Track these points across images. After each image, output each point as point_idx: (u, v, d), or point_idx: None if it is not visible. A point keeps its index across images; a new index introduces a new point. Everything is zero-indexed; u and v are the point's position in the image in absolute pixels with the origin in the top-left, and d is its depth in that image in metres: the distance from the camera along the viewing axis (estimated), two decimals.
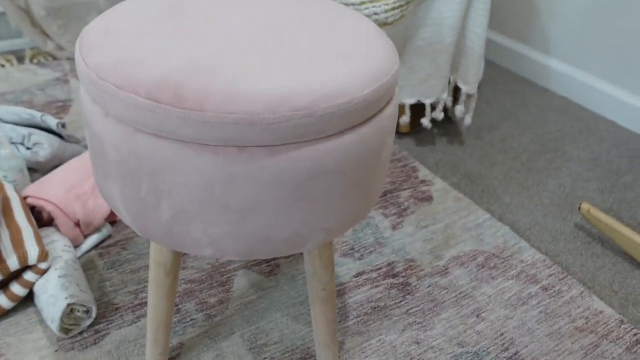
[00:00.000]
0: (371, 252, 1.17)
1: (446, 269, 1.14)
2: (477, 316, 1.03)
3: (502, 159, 1.52)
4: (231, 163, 0.60)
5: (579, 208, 1.26)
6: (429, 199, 1.34)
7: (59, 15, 1.77)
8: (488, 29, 2.09)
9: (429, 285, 1.09)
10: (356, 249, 1.17)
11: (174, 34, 0.67)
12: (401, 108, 1.51)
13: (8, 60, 1.78)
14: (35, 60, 1.80)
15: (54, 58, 1.82)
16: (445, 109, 1.67)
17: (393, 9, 1.27)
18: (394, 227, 1.24)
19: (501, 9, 2.02)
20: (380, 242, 1.19)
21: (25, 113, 1.26)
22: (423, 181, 1.39)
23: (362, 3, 1.27)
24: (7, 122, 1.26)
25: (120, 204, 0.70)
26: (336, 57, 0.65)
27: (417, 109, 1.57)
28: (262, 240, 0.67)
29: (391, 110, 0.71)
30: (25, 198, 1.09)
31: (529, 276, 1.13)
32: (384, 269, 1.12)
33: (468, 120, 1.49)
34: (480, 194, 1.38)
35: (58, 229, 1.08)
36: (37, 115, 1.26)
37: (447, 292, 1.08)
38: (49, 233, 1.07)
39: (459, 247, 1.19)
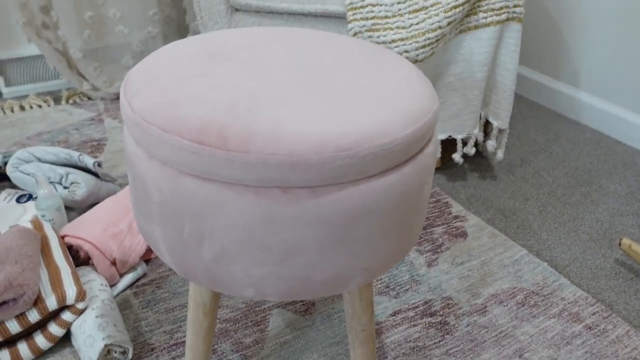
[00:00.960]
0: (407, 290, 1.15)
1: (485, 307, 1.11)
2: (520, 357, 1.00)
3: (536, 194, 1.50)
4: (274, 204, 0.60)
5: (620, 244, 1.23)
6: (463, 235, 1.32)
7: (94, 57, 1.83)
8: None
9: (468, 325, 1.07)
10: (392, 287, 1.15)
11: (214, 77, 0.68)
12: None
13: (45, 101, 1.83)
14: (71, 101, 1.85)
15: (89, 98, 1.87)
16: (476, 144, 1.66)
17: (424, 46, 1.28)
18: (429, 264, 1.22)
19: (530, 44, 2.02)
20: (416, 279, 1.17)
21: (63, 153, 1.29)
22: (457, 217, 1.38)
23: (393, 41, 1.28)
24: (45, 161, 1.29)
25: (161, 245, 0.71)
26: (376, 98, 0.65)
27: (449, 144, 1.56)
28: (303, 281, 0.67)
29: (432, 149, 0.70)
30: (63, 237, 1.10)
31: (572, 314, 1.10)
32: (421, 308, 1.10)
33: (500, 155, 1.48)
34: (515, 230, 1.35)
35: (95, 268, 1.09)
36: (74, 155, 1.29)
37: (487, 332, 1.05)
38: (86, 272, 1.07)
39: (497, 285, 1.17)
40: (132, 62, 1.90)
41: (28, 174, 1.26)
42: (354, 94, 0.65)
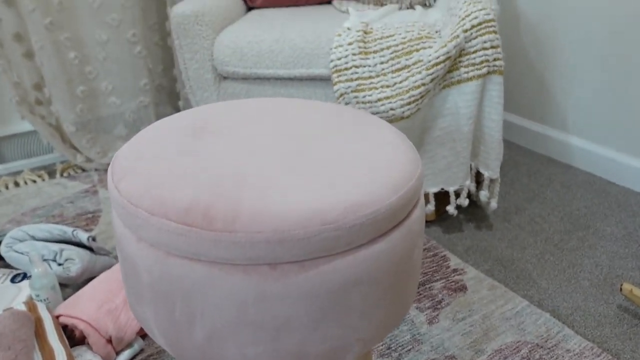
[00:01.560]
0: (409, 350, 1.12)
1: None
2: None
3: (533, 242, 1.49)
4: (263, 281, 0.60)
5: (620, 289, 1.21)
6: (463, 288, 1.30)
7: (87, 129, 1.85)
8: (505, 111, 2.12)
9: None
10: (393, 348, 1.13)
11: (199, 155, 0.69)
12: (425, 197, 1.51)
13: (40, 176, 1.84)
14: (65, 174, 1.86)
15: (83, 170, 1.88)
16: (469, 195, 1.67)
17: (409, 103, 1.30)
18: (430, 322, 1.20)
19: (516, 91, 2.06)
20: (417, 339, 1.15)
21: (56, 229, 1.29)
22: (455, 270, 1.37)
23: (379, 100, 1.31)
24: (39, 239, 1.29)
25: (153, 326, 0.70)
26: (360, 167, 0.66)
27: (442, 196, 1.57)
28: (298, 356, 0.65)
29: (419, 213, 0.71)
30: (57, 317, 1.09)
31: None
32: None
33: (494, 204, 1.48)
34: (515, 280, 1.34)
35: (91, 347, 1.07)
36: (68, 231, 1.28)
37: None
38: (81, 352, 1.05)
39: (500, 339, 1.15)
40: (125, 131, 1.93)
41: (22, 253, 1.26)
42: (338, 165, 0.66)
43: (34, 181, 1.82)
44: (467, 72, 1.33)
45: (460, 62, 1.33)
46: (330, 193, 0.61)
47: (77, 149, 1.85)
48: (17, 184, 1.81)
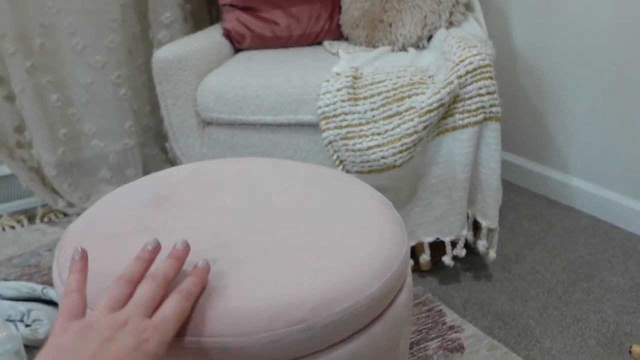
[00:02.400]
0: None
1: None
2: None
3: (535, 294, 1.41)
4: None
5: (630, 352, 1.13)
6: (460, 348, 1.21)
7: (69, 173, 1.79)
8: (504, 150, 2.06)
9: None
10: None
11: (158, 233, 0.62)
12: (420, 246, 1.43)
13: (19, 221, 1.77)
14: (46, 219, 1.79)
15: (65, 215, 1.81)
16: (467, 243, 1.59)
17: (401, 151, 1.23)
18: None
19: (515, 132, 1.99)
20: None
21: (25, 287, 1.21)
22: (452, 327, 1.28)
23: (369, 148, 1.24)
24: (7, 298, 1.21)
25: None
26: (336, 251, 0.58)
27: (438, 245, 1.49)
28: None
29: (405, 297, 0.63)
30: None
31: None
32: None
33: (492, 255, 1.40)
34: (516, 338, 1.25)
35: None
36: (37, 289, 1.21)
37: None
38: None
39: None
40: (109, 174, 1.86)
41: None
42: (311, 250, 0.58)
43: (13, 227, 1.75)
44: (463, 119, 1.26)
45: (455, 108, 1.26)
46: (299, 287, 0.53)
47: (59, 194, 1.78)
48: None
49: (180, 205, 0.67)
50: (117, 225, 0.64)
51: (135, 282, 0.51)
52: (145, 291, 0.49)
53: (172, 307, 0.48)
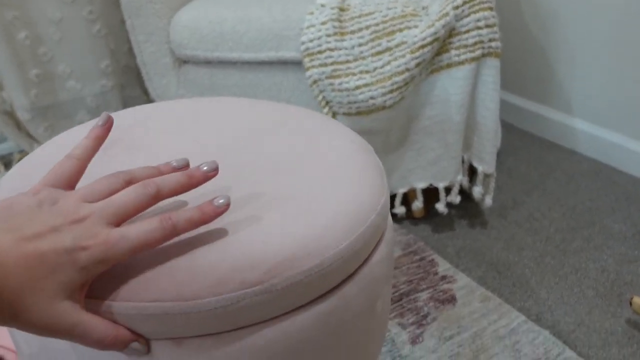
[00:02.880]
0: None
1: None
2: None
3: (531, 242, 1.34)
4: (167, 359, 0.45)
5: (630, 303, 1.07)
6: (451, 300, 1.16)
7: (45, 116, 1.69)
8: (503, 90, 1.95)
9: None
10: None
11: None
12: (413, 193, 1.36)
13: None
14: None
15: None
16: (462, 189, 1.51)
17: (391, 91, 1.14)
18: (413, 341, 1.06)
19: (515, 69, 1.88)
20: None
21: None
22: (444, 277, 1.22)
23: (357, 88, 1.14)
24: None
25: None
26: (302, 203, 0.50)
27: (432, 191, 1.41)
28: None
29: (383, 253, 0.55)
30: None
31: None
32: None
33: (489, 201, 1.33)
34: (511, 289, 1.20)
35: None
36: None
37: None
38: None
39: None
40: (87, 117, 1.77)
41: None
42: (274, 202, 0.50)
43: None
44: (459, 55, 1.16)
45: (450, 43, 1.16)
46: (255, 243, 0.46)
47: (34, 138, 1.69)
48: None
49: (130, 151, 0.59)
50: None
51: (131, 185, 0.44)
52: (126, 196, 0.42)
53: (141, 230, 0.40)
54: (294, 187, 0.52)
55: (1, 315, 0.36)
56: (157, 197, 0.43)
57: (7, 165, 1.73)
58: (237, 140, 0.61)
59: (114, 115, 0.68)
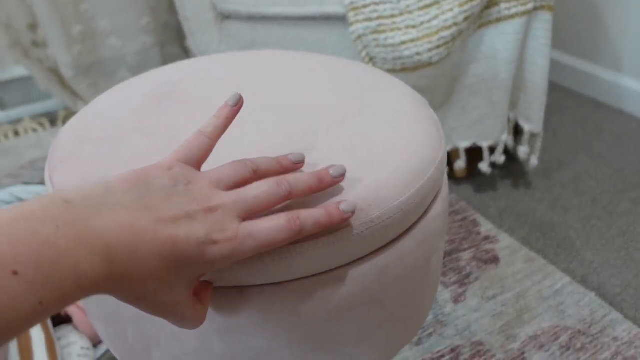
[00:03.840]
0: (431, 334, 1.00)
1: (523, 353, 0.95)
2: None
3: (577, 203, 1.32)
4: (230, 308, 0.46)
5: None
6: (494, 260, 1.15)
7: (88, 74, 1.71)
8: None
9: None
10: None
11: (160, 133, 0.54)
12: (455, 152, 1.34)
13: (41, 124, 1.73)
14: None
15: None
16: (506, 149, 1.48)
17: (438, 47, 1.11)
18: (455, 300, 1.06)
19: (564, 26, 1.81)
20: (440, 320, 1.02)
21: (45, 192, 1.18)
22: (486, 237, 1.21)
23: (403, 43, 1.12)
24: None
25: (109, 344, 0.57)
26: (361, 156, 0.50)
27: (475, 150, 1.39)
28: None
29: (439, 208, 0.55)
30: None
31: (627, 359, 0.93)
32: (448, 357, 0.95)
33: (534, 161, 1.30)
34: (555, 250, 1.18)
35: (76, 327, 0.97)
36: None
37: None
38: (66, 333, 0.96)
39: (536, 323, 1.00)
40: (128, 75, 1.78)
41: None
42: (335, 154, 0.50)
43: (35, 130, 1.71)
44: (509, 9, 1.12)
45: None
46: (317, 196, 0.46)
47: (78, 95, 1.72)
48: (17, 134, 1.70)
49: (185, 104, 0.59)
50: (113, 124, 0.56)
51: (258, 176, 0.42)
52: (259, 191, 0.40)
53: (269, 228, 0.39)
54: (353, 139, 0.52)
55: (122, 295, 0.35)
56: (289, 197, 0.42)
57: (53, 122, 1.76)
58: (293, 93, 0.60)
59: (161, 70, 0.68)
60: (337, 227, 0.44)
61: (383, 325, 0.52)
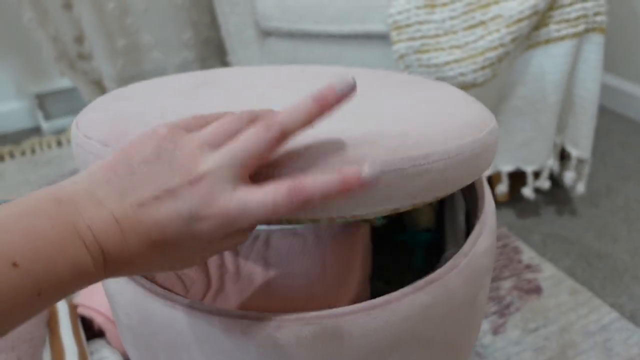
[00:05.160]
0: None
1: None
2: None
3: (626, 233, 1.26)
4: (265, 339, 0.44)
5: None
6: (537, 290, 1.11)
7: None
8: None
9: None
10: None
11: (196, 99, 0.53)
12: (497, 176, 1.30)
13: None
14: None
15: None
16: (551, 175, 1.43)
17: (483, 68, 1.08)
18: (495, 331, 1.02)
19: (613, 48, 1.75)
20: (479, 352, 0.98)
21: None
22: (528, 266, 1.17)
23: (447, 64, 1.09)
24: None
25: None
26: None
27: (518, 174, 1.35)
28: None
29: (487, 242, 0.52)
30: (76, 307, 0.99)
31: None
32: None
33: (581, 188, 1.25)
34: (602, 282, 1.13)
35: (109, 342, 0.97)
36: None
37: None
38: (98, 347, 0.95)
39: None
40: None
41: None
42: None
43: None
44: (559, 30, 1.08)
45: (550, 17, 1.08)
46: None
47: None
48: (59, 144, 1.73)
49: (223, 88, 0.57)
50: (147, 92, 0.56)
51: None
52: (247, 141, 0.36)
53: (264, 200, 0.35)
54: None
55: (127, 275, 0.36)
56: (283, 138, 0.37)
57: None
58: (364, 98, 0.58)
59: (207, 71, 0.67)
60: (353, 192, 0.37)
61: None
